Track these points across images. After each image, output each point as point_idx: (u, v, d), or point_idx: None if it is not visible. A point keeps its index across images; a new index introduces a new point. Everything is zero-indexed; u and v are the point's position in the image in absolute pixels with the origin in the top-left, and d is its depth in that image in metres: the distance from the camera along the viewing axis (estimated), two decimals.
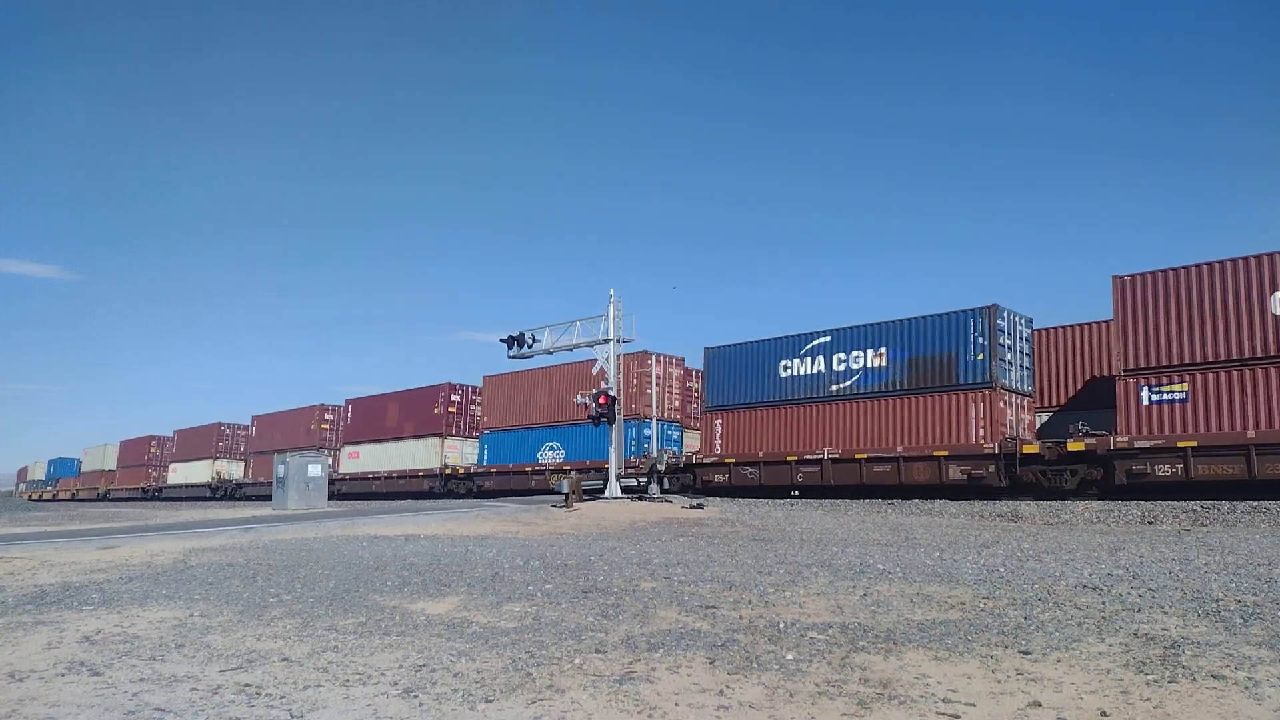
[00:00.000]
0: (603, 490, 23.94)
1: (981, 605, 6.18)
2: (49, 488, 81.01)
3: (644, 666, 4.51)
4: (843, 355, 23.81)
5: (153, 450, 63.11)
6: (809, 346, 24.62)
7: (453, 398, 38.08)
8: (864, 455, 22.49)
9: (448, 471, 36.16)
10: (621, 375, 26.93)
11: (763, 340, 25.73)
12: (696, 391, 30.32)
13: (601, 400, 23.26)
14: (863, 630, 5.34)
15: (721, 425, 26.12)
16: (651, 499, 23.00)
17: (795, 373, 24.80)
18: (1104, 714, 3.61)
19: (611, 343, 24.44)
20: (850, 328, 23.83)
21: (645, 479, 25.33)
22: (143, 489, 62.05)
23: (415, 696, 4.01)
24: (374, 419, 41.75)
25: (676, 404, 30.59)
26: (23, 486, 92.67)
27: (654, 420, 28.78)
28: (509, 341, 26.46)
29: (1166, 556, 9.26)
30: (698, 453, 27.02)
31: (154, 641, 5.32)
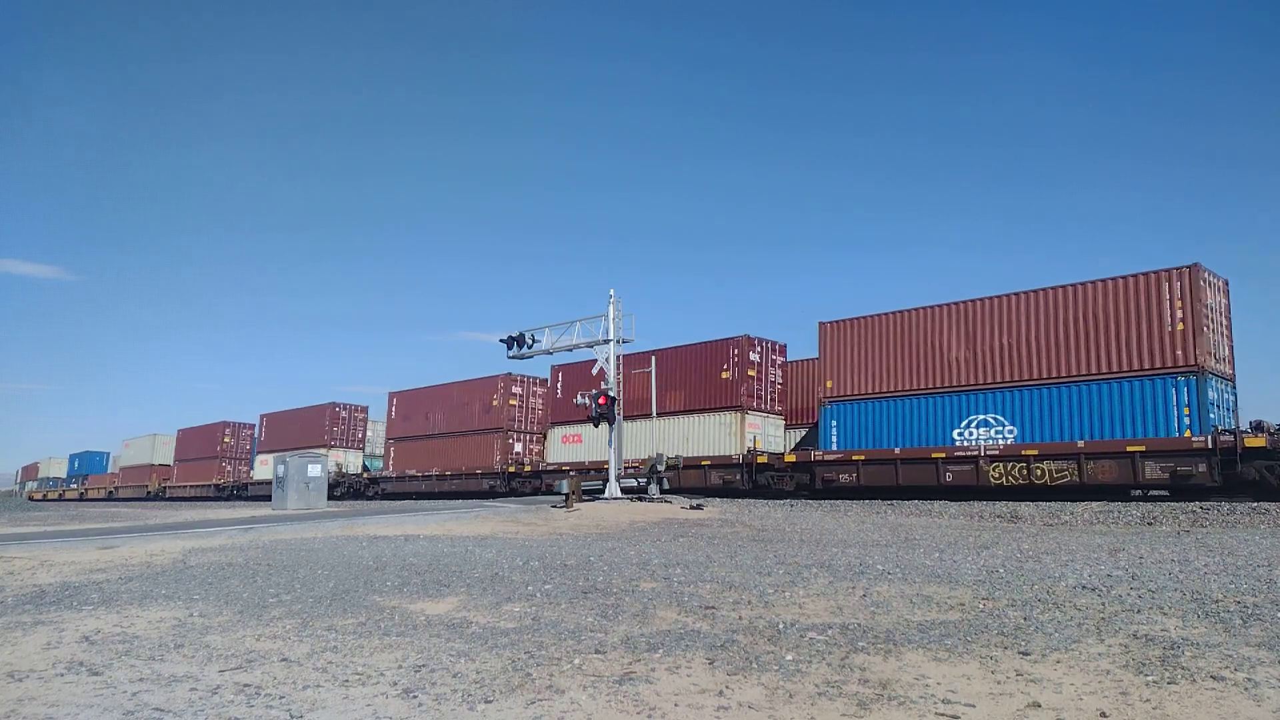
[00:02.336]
0: (602, 490, 23.95)
1: (981, 606, 6.18)
2: (73, 486, 74.14)
3: (644, 667, 4.51)
4: None
5: (226, 439, 52.76)
6: None
7: (751, 356, 26.38)
8: None
9: (762, 459, 25.11)
10: (1181, 301, 17.83)
11: None
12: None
13: (602, 400, 23.28)
14: (862, 631, 5.34)
15: None
16: (651, 499, 23.00)
17: None
18: (1103, 715, 3.61)
19: (611, 343, 24.45)
20: None
21: (644, 479, 25.34)
22: (215, 485, 51.59)
23: (415, 697, 4.01)
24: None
25: (1226, 353, 19.52)
26: (33, 485, 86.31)
27: (1216, 377, 18.75)
28: (509, 341, 26.46)
29: (1166, 557, 9.26)
30: None
31: (153, 641, 5.32)
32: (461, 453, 35.97)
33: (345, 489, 41.17)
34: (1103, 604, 6.17)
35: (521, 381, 35.40)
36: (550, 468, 31.74)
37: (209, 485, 52.34)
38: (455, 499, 32.51)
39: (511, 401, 34.93)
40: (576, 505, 20.75)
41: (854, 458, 23.03)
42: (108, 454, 71.74)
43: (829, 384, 24.23)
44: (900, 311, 23.05)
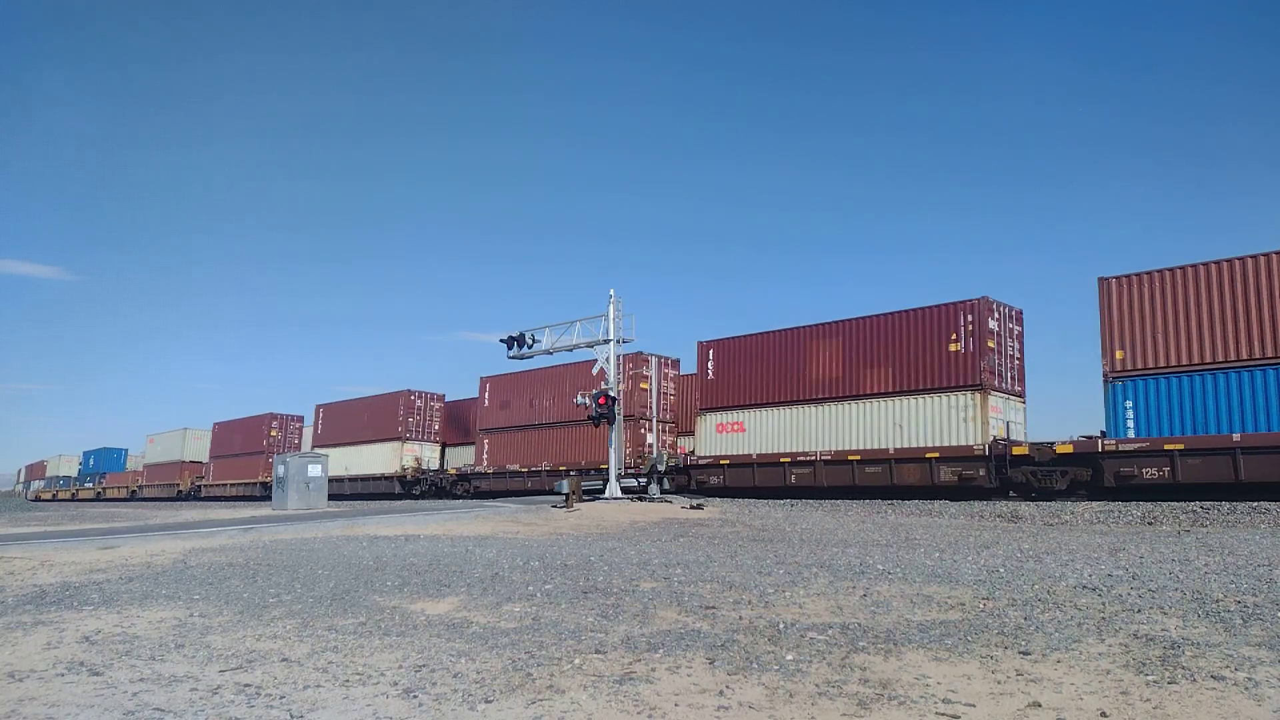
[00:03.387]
0: (602, 490, 23.98)
1: (981, 606, 6.18)
2: (88, 485, 68.63)
3: (644, 667, 4.51)
4: None
5: (273, 433, 47.22)
6: None
7: (989, 324, 21.10)
8: None
9: (1019, 450, 20.03)
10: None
11: None
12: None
13: (601, 401, 23.31)
14: (862, 631, 5.34)
15: None
16: (651, 499, 23.01)
17: None
18: (1104, 714, 3.61)
19: (611, 343, 24.47)
20: None
21: (644, 479, 25.34)
22: (262, 484, 45.01)
23: (415, 697, 4.01)
24: (770, 370, 24.86)
25: None
26: (40, 484, 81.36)
27: None
28: (509, 341, 26.49)
29: (1166, 557, 9.26)
30: None
31: (154, 641, 5.32)
32: (578, 445, 30.54)
33: (427, 486, 36.72)
34: (1103, 603, 6.17)
35: (651, 362, 29.17)
36: (705, 460, 25.90)
37: (253, 483, 46.97)
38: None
39: (642, 385, 28.51)
40: (577, 505, 20.76)
41: (1166, 447, 17.95)
42: (125, 450, 67.29)
43: (1119, 355, 19.09)
44: (1221, 261, 18.27)
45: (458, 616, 6.04)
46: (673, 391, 29.88)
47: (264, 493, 44.27)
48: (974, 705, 3.77)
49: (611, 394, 23.61)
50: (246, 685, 4.25)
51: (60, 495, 73.50)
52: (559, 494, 22.13)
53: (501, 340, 26.56)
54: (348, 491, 39.77)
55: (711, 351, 26.48)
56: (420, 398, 39.12)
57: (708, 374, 26.58)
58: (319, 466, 27.35)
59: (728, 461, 25.36)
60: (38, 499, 77.11)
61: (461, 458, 38.27)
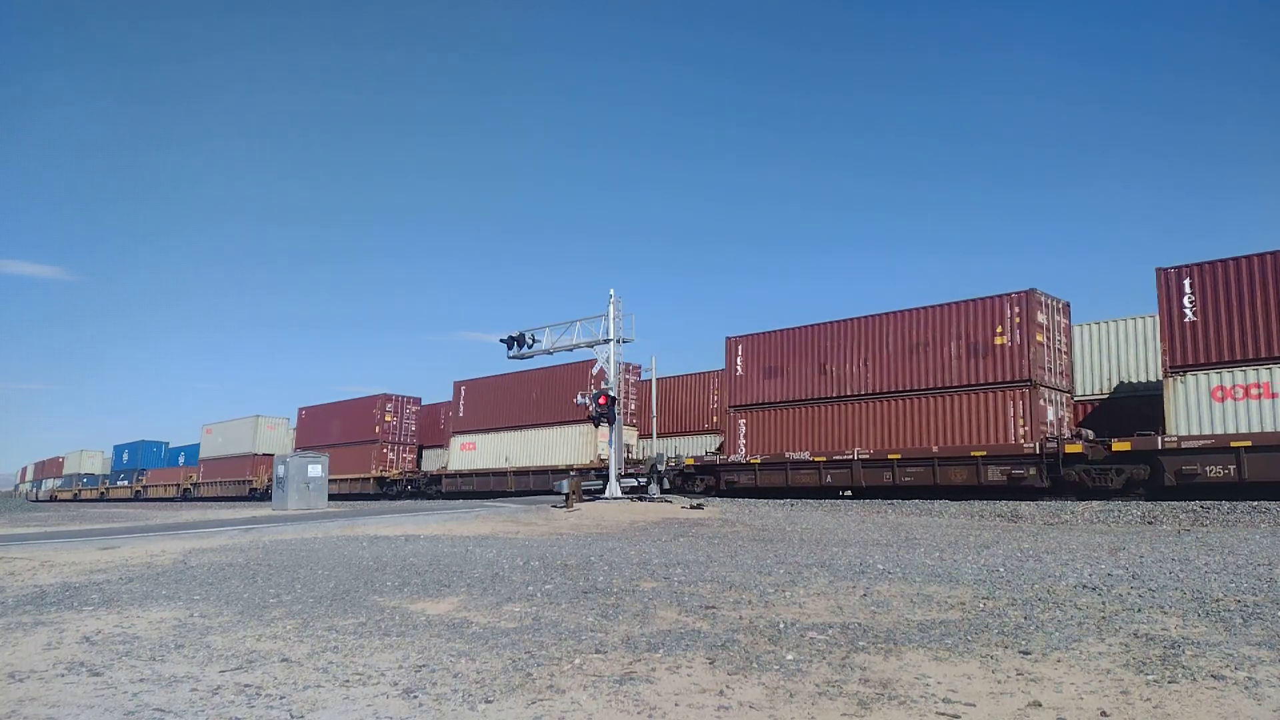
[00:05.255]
0: (602, 490, 23.97)
1: (981, 605, 6.18)
2: (122, 482, 60.87)
3: (644, 667, 4.51)
4: None
5: (388, 418, 38.86)
6: None
7: None
8: None
9: None
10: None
11: None
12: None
13: (601, 400, 23.30)
14: (863, 630, 5.34)
15: None
16: (651, 499, 23.01)
17: None
18: (1104, 714, 3.61)
19: (611, 343, 24.46)
20: None
21: (645, 479, 25.31)
22: (377, 479, 36.85)
23: (415, 697, 4.01)
24: None
25: None
26: (55, 483, 72.94)
27: None
28: (509, 341, 26.49)
29: (1166, 556, 9.25)
30: None
31: (154, 642, 5.32)
32: (925, 422, 21.23)
33: (665, 474, 25.66)
34: (1103, 603, 6.17)
35: (1046, 305, 20.01)
36: (1196, 442, 17.12)
37: (364, 478, 38.11)
38: (930, 499, 20.12)
39: (1038, 337, 19.56)
40: (577, 505, 20.76)
41: None
42: (166, 444, 59.37)
43: None
44: None
45: (458, 616, 6.04)
46: (1065, 348, 20.74)
47: (380, 491, 37.55)
48: (974, 705, 3.77)
49: (611, 393, 23.60)
50: (247, 685, 4.26)
51: (84, 494, 65.35)
52: (557, 493, 22.12)
53: (501, 340, 26.56)
54: (512, 489, 31.07)
55: (1188, 282, 17.71)
56: (620, 368, 29.57)
57: (1182, 314, 17.77)
58: (319, 466, 27.40)
59: (1247, 444, 16.57)
60: (54, 499, 69.50)
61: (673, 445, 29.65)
